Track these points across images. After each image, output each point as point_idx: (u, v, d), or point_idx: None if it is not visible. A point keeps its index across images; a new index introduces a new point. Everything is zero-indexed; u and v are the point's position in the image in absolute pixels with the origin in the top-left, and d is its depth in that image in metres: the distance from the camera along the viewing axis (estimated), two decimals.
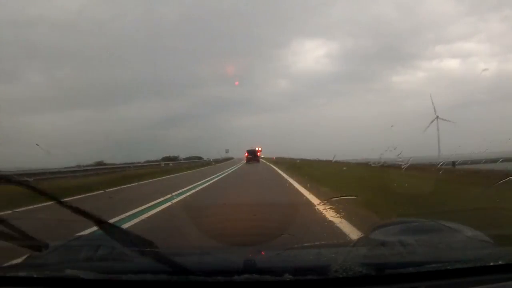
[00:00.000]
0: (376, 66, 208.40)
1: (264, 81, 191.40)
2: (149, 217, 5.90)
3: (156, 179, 16.78)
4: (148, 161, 32.11)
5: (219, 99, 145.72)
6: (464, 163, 8.45)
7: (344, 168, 12.38)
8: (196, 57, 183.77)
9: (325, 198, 6.63)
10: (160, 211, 6.55)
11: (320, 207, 5.97)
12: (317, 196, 7.51)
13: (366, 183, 8.15)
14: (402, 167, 7.05)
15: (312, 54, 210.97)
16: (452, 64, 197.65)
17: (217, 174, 17.46)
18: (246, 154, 42.59)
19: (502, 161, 6.73)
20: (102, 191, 10.04)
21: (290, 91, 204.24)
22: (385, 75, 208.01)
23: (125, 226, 4.90)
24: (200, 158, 43.58)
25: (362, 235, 3.13)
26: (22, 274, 1.36)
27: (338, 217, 4.95)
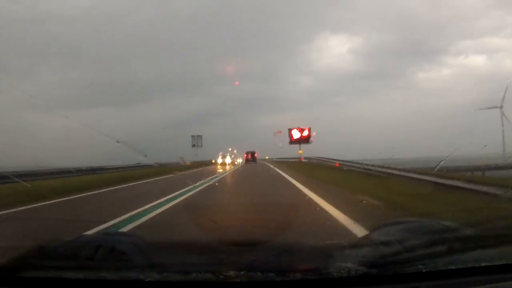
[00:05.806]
0: (401, 62, 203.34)
1: (287, 78, 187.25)
2: None
3: None
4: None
5: (240, 97, 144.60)
6: None
7: None
8: (216, 54, 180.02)
9: None
10: None
11: None
12: None
13: None
14: None
15: (335, 50, 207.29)
16: (478, 60, 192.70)
17: None
18: (245, 155, 45.75)
19: None
20: None
21: (313, 89, 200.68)
22: (410, 72, 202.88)
23: None
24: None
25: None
26: (22, 274, 1.36)
27: None
